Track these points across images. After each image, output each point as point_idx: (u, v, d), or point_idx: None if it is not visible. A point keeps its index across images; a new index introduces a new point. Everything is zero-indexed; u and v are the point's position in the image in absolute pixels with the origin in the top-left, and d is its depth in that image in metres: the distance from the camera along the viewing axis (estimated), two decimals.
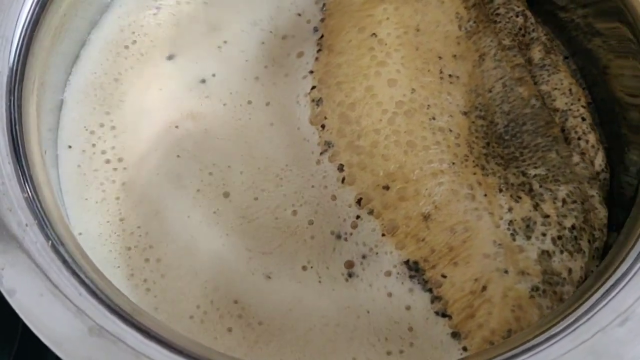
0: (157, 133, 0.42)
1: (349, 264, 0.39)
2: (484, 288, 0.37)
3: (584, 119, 0.42)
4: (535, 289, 0.37)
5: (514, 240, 0.38)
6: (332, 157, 0.40)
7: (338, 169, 0.40)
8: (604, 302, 0.31)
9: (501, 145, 0.41)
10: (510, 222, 0.38)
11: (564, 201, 0.39)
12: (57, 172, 0.40)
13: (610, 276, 0.32)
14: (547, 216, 0.39)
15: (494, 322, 0.37)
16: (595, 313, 0.30)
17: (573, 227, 0.39)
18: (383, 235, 0.39)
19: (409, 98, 0.40)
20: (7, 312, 0.30)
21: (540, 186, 0.40)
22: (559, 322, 0.31)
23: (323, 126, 0.41)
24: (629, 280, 0.31)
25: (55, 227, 0.32)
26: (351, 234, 0.39)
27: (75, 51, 0.43)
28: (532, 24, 0.45)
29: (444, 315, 0.37)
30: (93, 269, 0.32)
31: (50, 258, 0.31)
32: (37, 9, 0.37)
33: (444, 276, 0.38)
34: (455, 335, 0.37)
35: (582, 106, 0.43)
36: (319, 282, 0.38)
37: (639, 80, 0.39)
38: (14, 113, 0.34)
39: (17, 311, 0.30)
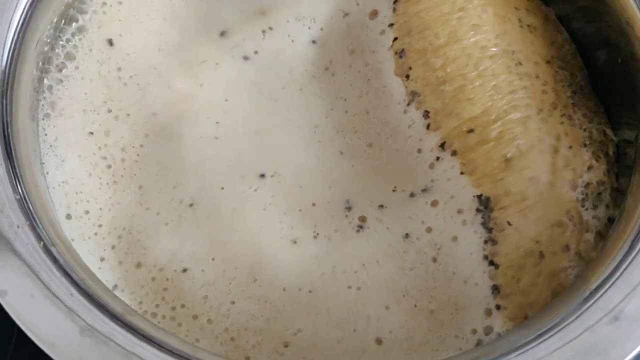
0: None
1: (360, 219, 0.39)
2: (542, 255, 0.37)
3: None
4: None
5: (583, 206, 0.38)
6: (418, 105, 0.41)
7: (423, 115, 0.40)
8: (591, 301, 0.31)
9: (585, 97, 0.42)
10: (587, 185, 0.38)
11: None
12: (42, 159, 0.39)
13: (598, 275, 0.32)
14: (617, 189, 0.39)
15: (534, 295, 0.36)
16: (583, 312, 0.31)
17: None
18: (462, 173, 0.39)
19: (493, 43, 0.40)
20: (2, 314, 0.30)
21: (613, 152, 0.40)
22: (546, 320, 0.31)
23: (408, 76, 0.41)
24: (616, 279, 0.31)
25: (46, 228, 0.32)
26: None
27: None
28: None
29: (491, 262, 0.37)
30: (84, 269, 0.32)
31: (42, 259, 0.31)
32: (30, 12, 0.37)
33: (509, 223, 0.38)
34: (494, 288, 0.37)
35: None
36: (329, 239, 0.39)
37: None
38: (7, 116, 0.34)
39: (9, 312, 0.30)
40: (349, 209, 0.40)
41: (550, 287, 0.37)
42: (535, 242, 0.37)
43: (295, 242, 0.39)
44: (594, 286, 0.31)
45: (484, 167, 0.39)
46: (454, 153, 0.39)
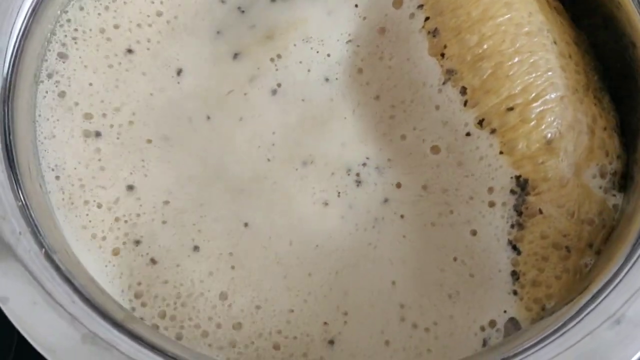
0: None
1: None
2: (568, 250, 0.37)
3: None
4: None
5: (614, 196, 0.38)
6: (454, 83, 0.40)
7: (460, 92, 0.40)
8: (592, 306, 0.31)
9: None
10: (614, 173, 0.38)
11: None
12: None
13: (598, 280, 0.32)
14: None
15: (555, 288, 0.36)
16: (584, 317, 0.31)
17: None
18: (501, 153, 0.39)
19: (527, 20, 0.40)
20: (2, 321, 0.30)
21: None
22: (547, 325, 0.31)
23: (443, 55, 0.41)
24: (617, 284, 0.31)
25: (48, 235, 0.32)
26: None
27: None
28: None
29: (514, 247, 0.37)
30: (86, 276, 0.32)
31: (44, 266, 0.31)
32: (31, 19, 0.37)
33: (541, 211, 0.37)
34: (513, 274, 0.37)
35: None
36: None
37: None
38: (8, 123, 0.34)
39: (10, 319, 0.30)
40: (369, 174, 0.41)
41: (574, 283, 0.36)
42: (563, 235, 0.37)
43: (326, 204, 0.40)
44: (595, 290, 0.31)
45: (525, 148, 0.38)
46: (492, 131, 0.39)
